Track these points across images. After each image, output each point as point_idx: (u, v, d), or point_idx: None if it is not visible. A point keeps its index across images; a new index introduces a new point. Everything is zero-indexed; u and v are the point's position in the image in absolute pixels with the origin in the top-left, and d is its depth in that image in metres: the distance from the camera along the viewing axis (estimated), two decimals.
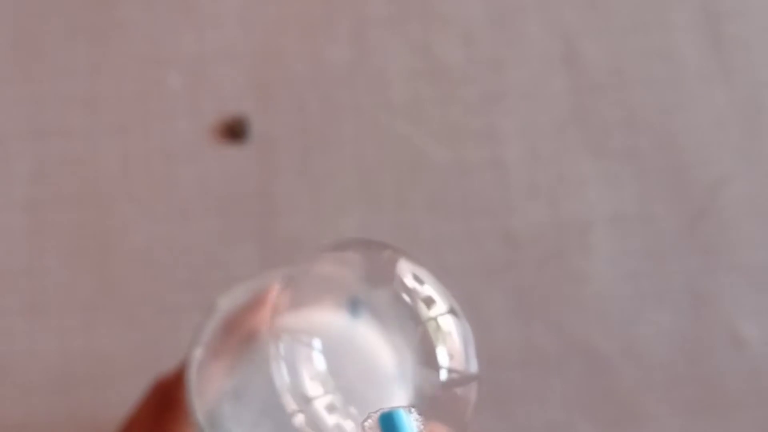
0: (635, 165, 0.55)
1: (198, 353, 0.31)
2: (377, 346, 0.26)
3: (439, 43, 0.57)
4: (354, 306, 0.26)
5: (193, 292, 0.52)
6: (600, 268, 0.53)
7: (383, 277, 0.25)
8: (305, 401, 0.24)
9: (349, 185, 0.54)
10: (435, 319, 0.25)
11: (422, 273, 0.25)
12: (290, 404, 0.24)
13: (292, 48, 0.57)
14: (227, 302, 0.32)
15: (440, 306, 0.25)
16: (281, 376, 0.24)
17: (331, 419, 0.24)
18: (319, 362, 0.25)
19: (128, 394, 0.38)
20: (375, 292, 0.25)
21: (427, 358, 0.24)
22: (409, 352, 0.25)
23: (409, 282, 0.25)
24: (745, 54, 0.57)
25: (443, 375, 0.24)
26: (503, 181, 0.55)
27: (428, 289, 0.25)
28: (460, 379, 0.24)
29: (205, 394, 0.30)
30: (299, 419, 0.24)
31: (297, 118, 0.56)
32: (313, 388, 0.24)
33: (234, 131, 0.55)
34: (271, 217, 0.54)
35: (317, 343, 0.25)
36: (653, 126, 0.56)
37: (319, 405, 0.24)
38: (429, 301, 0.25)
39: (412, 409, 0.23)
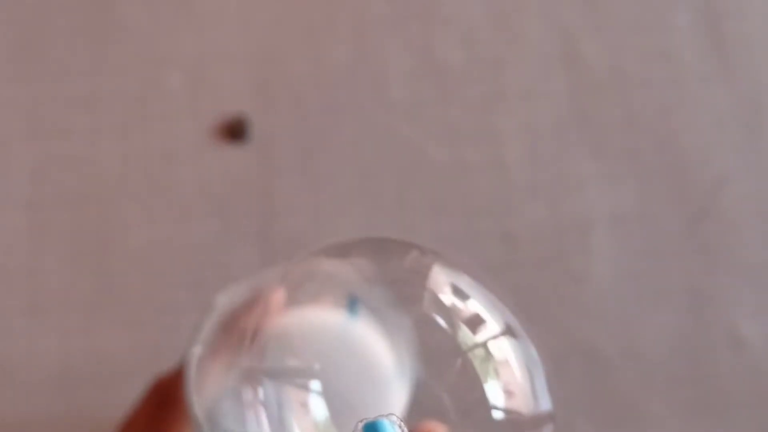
0: (635, 165, 0.55)
1: (197, 351, 0.31)
2: (374, 345, 0.25)
3: (439, 43, 0.57)
4: (352, 304, 0.24)
5: (193, 292, 0.52)
6: (600, 268, 0.53)
7: (407, 293, 0.19)
8: None
9: (349, 185, 0.54)
10: (484, 345, 0.18)
11: (464, 282, 0.19)
12: None
13: (292, 48, 0.57)
14: (226, 300, 0.32)
15: (491, 327, 0.18)
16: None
17: None
18: (319, 409, 0.17)
19: (128, 393, 0.38)
20: (376, 289, 0.21)
21: (473, 396, 0.18)
22: (408, 348, 0.22)
23: (447, 298, 0.18)
24: (745, 54, 0.57)
25: (497, 416, 0.18)
26: (503, 181, 0.55)
27: (474, 305, 0.18)
28: (524, 422, 0.18)
29: (204, 392, 0.30)
30: None
31: (297, 119, 0.56)
32: None
33: (234, 131, 0.55)
34: (271, 217, 0.54)
35: (315, 384, 0.18)
36: (653, 126, 0.56)
37: None
38: (475, 322, 0.18)
39: (398, 418, 0.18)
